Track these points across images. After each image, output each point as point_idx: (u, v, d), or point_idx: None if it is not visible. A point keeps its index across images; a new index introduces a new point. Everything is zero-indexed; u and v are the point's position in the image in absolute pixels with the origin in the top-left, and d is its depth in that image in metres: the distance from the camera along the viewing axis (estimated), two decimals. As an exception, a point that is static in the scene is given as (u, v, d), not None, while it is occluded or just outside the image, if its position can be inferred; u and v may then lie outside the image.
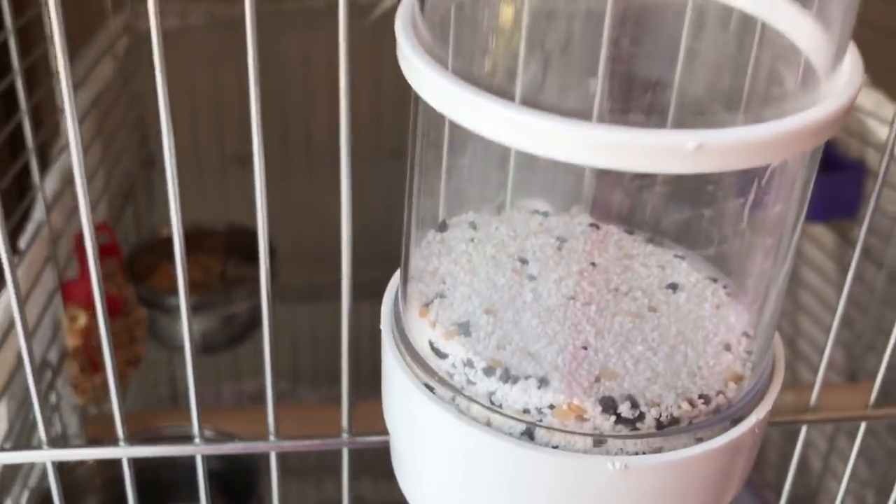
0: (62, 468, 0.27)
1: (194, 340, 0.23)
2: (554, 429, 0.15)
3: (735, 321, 0.18)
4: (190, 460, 0.27)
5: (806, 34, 0.15)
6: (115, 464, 0.26)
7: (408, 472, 0.18)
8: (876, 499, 0.60)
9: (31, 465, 0.40)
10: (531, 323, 0.17)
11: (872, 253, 0.67)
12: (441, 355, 0.16)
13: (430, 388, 0.17)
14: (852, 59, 0.15)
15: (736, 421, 0.16)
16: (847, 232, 0.67)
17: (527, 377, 0.16)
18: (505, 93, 0.14)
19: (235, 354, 0.65)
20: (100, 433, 0.48)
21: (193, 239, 0.41)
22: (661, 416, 0.16)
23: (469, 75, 0.15)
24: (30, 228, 0.44)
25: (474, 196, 0.19)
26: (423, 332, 0.17)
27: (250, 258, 0.65)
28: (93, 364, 0.47)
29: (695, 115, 0.17)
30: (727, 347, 0.17)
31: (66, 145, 0.41)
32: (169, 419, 0.49)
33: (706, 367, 0.16)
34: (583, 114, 0.15)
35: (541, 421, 0.16)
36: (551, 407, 0.15)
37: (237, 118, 0.23)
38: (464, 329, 0.16)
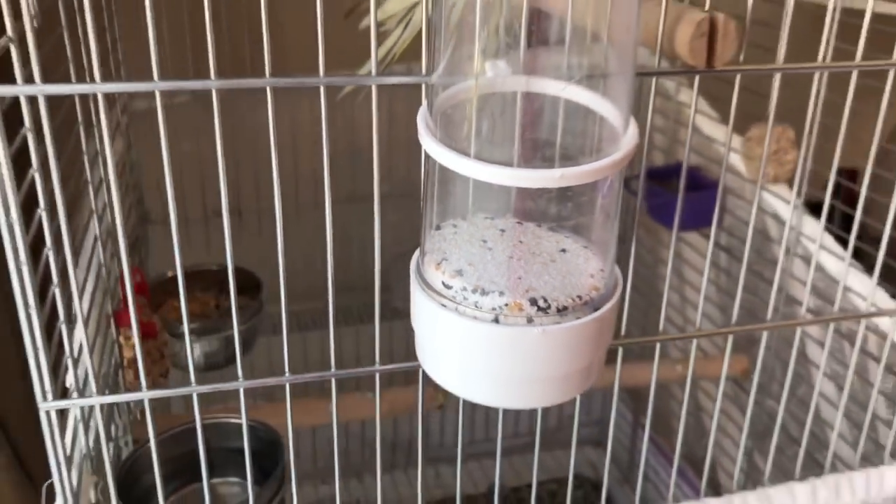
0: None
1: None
2: (507, 316, 0.31)
3: (594, 264, 0.34)
4: (222, 442, 0.41)
5: (612, 114, 0.32)
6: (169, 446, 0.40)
7: (429, 355, 0.34)
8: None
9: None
10: (492, 269, 0.33)
11: (734, 252, 0.86)
12: (448, 287, 0.32)
13: (443, 305, 0.32)
14: (634, 125, 0.32)
15: (597, 308, 0.33)
16: (710, 236, 0.85)
17: (492, 292, 0.31)
18: (467, 151, 0.30)
19: (234, 370, 0.78)
20: (141, 432, 0.62)
21: (191, 278, 0.56)
22: (559, 306, 0.32)
23: (452, 143, 0.31)
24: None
25: (454, 209, 0.35)
26: (436, 278, 0.33)
27: (240, 292, 0.79)
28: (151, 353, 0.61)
29: (566, 159, 0.33)
30: (591, 276, 0.33)
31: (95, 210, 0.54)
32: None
33: (581, 284, 0.33)
34: (509, 161, 0.31)
35: (500, 313, 0.31)
36: (506, 305, 0.31)
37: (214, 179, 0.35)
38: (459, 273, 0.32)
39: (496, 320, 0.32)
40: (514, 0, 0.31)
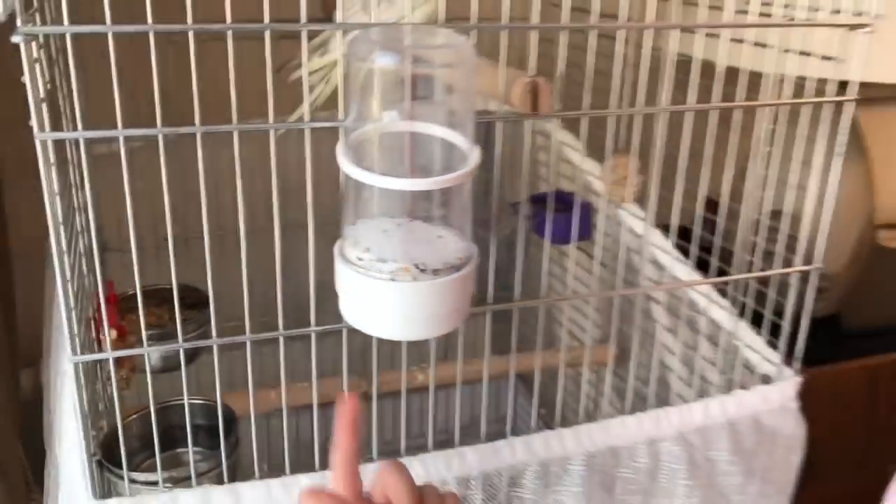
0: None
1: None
2: (399, 276, 0.48)
3: (458, 243, 0.51)
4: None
5: (462, 143, 0.49)
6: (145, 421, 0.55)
7: (349, 309, 0.50)
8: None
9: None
10: (389, 247, 0.49)
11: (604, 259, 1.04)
12: (360, 259, 0.49)
13: (357, 272, 0.49)
14: (476, 150, 0.50)
15: (458, 270, 0.50)
16: (586, 248, 1.03)
17: (390, 260, 0.48)
18: (373, 170, 0.47)
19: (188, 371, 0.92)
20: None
21: (147, 295, 0.70)
22: (433, 269, 0.48)
23: (362, 165, 0.48)
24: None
25: (364, 211, 0.52)
26: (352, 254, 0.49)
27: (191, 306, 0.94)
28: (119, 363, 0.75)
29: (435, 173, 0.50)
30: (455, 250, 0.50)
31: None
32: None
33: (448, 255, 0.50)
34: (401, 175, 0.48)
35: (395, 275, 0.48)
36: (398, 269, 0.48)
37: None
38: (367, 250, 0.49)
39: (392, 279, 0.48)
40: (401, 70, 0.48)
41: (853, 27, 0.64)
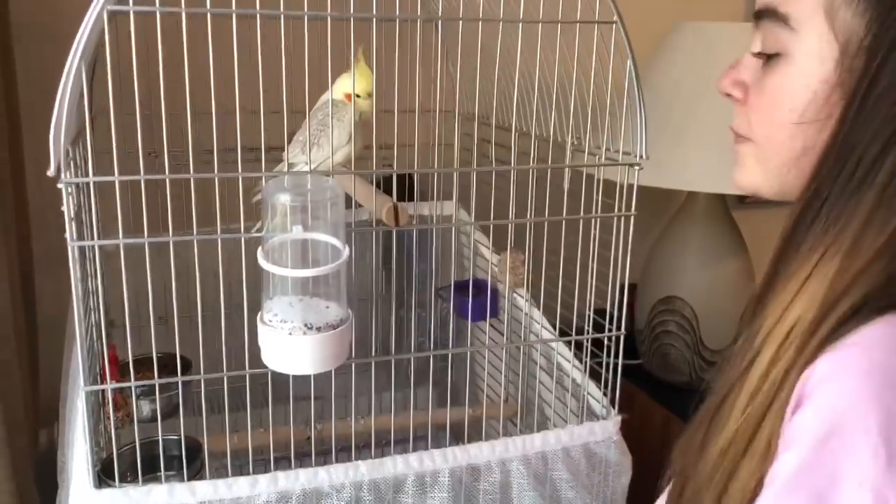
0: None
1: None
2: (295, 332, 0.75)
3: (340, 311, 0.78)
4: (166, 452, 0.83)
5: (337, 243, 0.77)
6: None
7: (267, 356, 0.77)
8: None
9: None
10: (292, 313, 0.76)
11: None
12: (271, 321, 0.76)
13: (270, 329, 0.75)
14: (347, 247, 0.77)
15: (336, 328, 0.76)
16: (496, 325, 1.29)
17: (289, 321, 0.75)
18: (284, 265, 0.74)
19: (173, 422, 1.18)
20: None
21: (146, 361, 0.98)
22: (318, 327, 0.75)
23: (275, 262, 0.75)
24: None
25: (276, 291, 0.79)
26: (267, 318, 0.76)
27: (174, 371, 1.21)
28: (116, 404, 1.01)
29: (322, 264, 0.78)
30: (335, 315, 0.77)
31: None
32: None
33: (331, 320, 0.77)
34: (302, 267, 0.76)
35: (293, 330, 0.75)
36: (295, 328, 0.75)
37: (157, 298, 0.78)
38: (277, 315, 0.76)
39: (290, 334, 0.75)
40: (300, 202, 0.77)
41: (631, 165, 0.92)
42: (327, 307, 0.79)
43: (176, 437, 1.02)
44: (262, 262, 0.76)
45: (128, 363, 0.96)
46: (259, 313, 0.79)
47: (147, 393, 1.16)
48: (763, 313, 0.57)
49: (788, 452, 0.51)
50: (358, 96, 0.96)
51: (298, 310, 0.77)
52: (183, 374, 1.21)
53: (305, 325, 0.76)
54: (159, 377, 1.18)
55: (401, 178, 1.20)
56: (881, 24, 0.54)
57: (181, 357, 1.20)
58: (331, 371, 0.89)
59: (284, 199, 0.74)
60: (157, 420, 1.17)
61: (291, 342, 0.76)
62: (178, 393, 1.19)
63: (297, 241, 0.77)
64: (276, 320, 0.76)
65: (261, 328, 0.77)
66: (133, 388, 0.89)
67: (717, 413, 0.58)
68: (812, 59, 0.57)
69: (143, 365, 0.99)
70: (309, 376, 0.84)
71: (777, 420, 0.52)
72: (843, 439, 0.48)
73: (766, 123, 0.61)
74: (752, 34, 0.61)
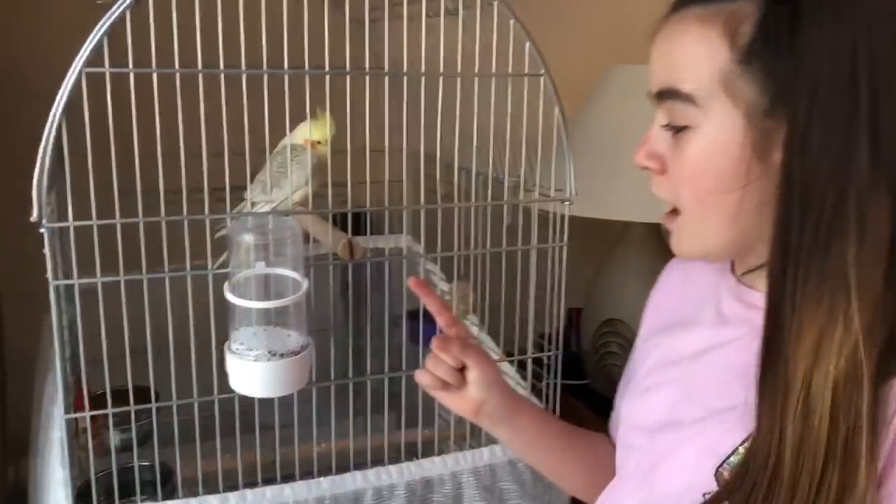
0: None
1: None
2: (260, 358, 0.82)
3: (301, 339, 0.86)
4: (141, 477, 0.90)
5: (297, 277, 0.85)
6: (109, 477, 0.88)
7: (234, 381, 0.84)
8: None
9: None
10: (257, 341, 0.84)
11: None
12: (238, 349, 0.83)
13: (237, 357, 0.83)
14: (307, 280, 0.85)
15: (297, 353, 0.84)
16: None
17: (255, 349, 0.83)
18: (249, 298, 0.82)
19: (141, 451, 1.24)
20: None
21: (120, 392, 1.04)
22: (281, 353, 0.83)
23: (241, 295, 0.83)
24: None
25: (241, 322, 0.86)
26: (233, 346, 0.84)
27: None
28: (93, 435, 1.07)
29: (282, 297, 0.86)
30: (297, 342, 0.85)
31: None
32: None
33: (293, 347, 0.84)
34: (264, 300, 0.83)
35: (258, 357, 0.82)
36: (260, 354, 0.82)
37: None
38: (243, 343, 0.83)
39: (256, 360, 0.83)
40: (262, 241, 0.85)
41: (562, 201, 1.02)
42: (289, 335, 0.87)
43: (149, 464, 1.08)
44: (229, 296, 0.84)
45: (99, 394, 1.02)
46: (226, 343, 0.86)
47: (118, 423, 1.21)
48: (778, 373, 0.59)
49: None
50: (319, 142, 1.04)
51: (262, 338, 0.85)
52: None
53: (270, 352, 0.83)
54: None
55: (355, 214, 1.28)
56: (776, 88, 0.60)
57: (141, 389, 1.27)
58: (293, 400, 0.97)
59: (248, 238, 0.82)
60: (127, 450, 1.23)
61: (257, 368, 0.83)
62: (150, 421, 1.25)
63: (261, 275, 0.85)
64: (243, 348, 0.84)
65: (228, 356, 0.85)
66: (110, 416, 0.95)
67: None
68: (721, 128, 0.62)
69: (114, 397, 1.05)
70: (272, 405, 0.91)
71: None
72: None
73: (695, 191, 0.65)
74: (656, 109, 0.67)
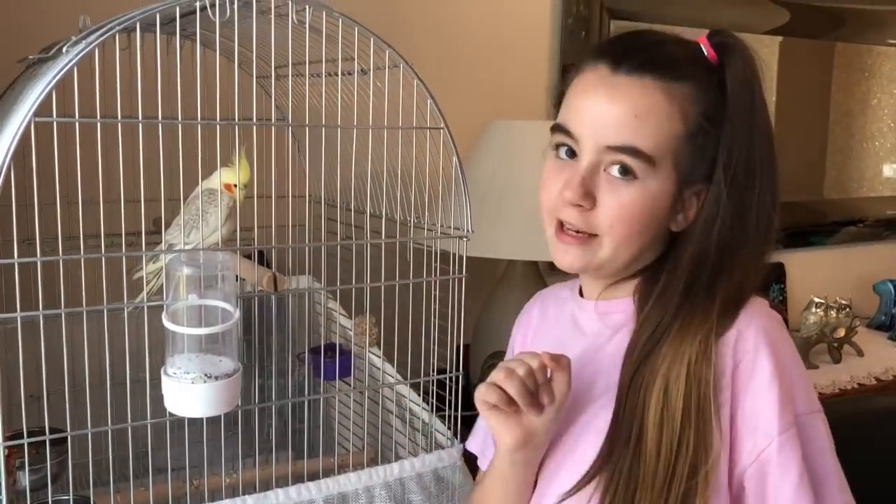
0: None
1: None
2: (196, 381, 0.90)
3: (231, 364, 0.95)
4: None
5: (230, 307, 0.94)
6: None
7: (170, 403, 0.92)
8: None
9: None
10: (192, 366, 0.92)
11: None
12: (175, 373, 0.91)
13: (174, 380, 0.91)
14: (238, 309, 0.94)
15: (230, 376, 0.93)
16: (350, 383, 1.46)
17: (191, 373, 0.91)
18: (182, 324, 0.90)
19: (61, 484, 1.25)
20: None
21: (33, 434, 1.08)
22: (215, 376, 0.91)
23: (176, 323, 0.91)
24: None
25: (176, 348, 0.94)
26: (170, 370, 0.91)
27: (53, 443, 1.29)
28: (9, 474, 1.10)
29: (217, 323, 0.94)
30: (228, 366, 0.94)
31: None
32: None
33: (226, 371, 0.93)
34: (197, 326, 0.92)
35: (194, 380, 0.90)
36: (196, 377, 0.90)
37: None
38: (180, 367, 0.91)
39: (192, 382, 0.91)
40: (196, 274, 0.93)
41: (461, 238, 1.16)
42: (220, 360, 0.95)
43: (66, 497, 1.12)
44: (167, 323, 0.91)
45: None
46: (162, 368, 0.93)
47: (30, 462, 1.23)
48: (654, 359, 0.77)
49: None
50: (245, 186, 1.13)
51: (197, 363, 0.93)
52: (60, 446, 1.30)
53: (205, 375, 0.92)
54: (37, 450, 1.26)
55: (259, 254, 1.37)
56: (701, 166, 0.79)
57: (56, 430, 1.29)
58: (203, 437, 1.05)
59: (188, 270, 0.91)
60: (36, 490, 1.25)
61: (194, 389, 0.91)
62: (59, 462, 1.27)
63: (194, 306, 0.93)
64: (180, 372, 0.92)
65: (165, 380, 0.92)
66: (26, 450, 0.99)
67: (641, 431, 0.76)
68: (662, 184, 0.78)
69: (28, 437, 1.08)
70: (182, 441, 0.99)
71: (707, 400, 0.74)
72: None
73: (623, 227, 0.79)
74: (601, 155, 0.79)
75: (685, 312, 0.78)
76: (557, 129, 0.83)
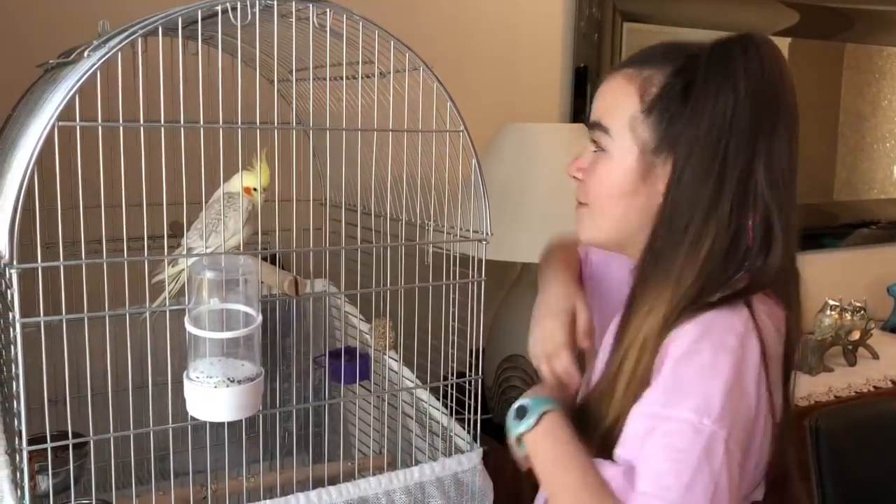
0: None
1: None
2: (218, 385, 0.90)
3: (253, 368, 0.94)
4: None
5: (252, 312, 0.94)
6: None
7: (192, 407, 0.92)
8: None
9: None
10: (215, 370, 0.92)
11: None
12: (197, 377, 0.91)
13: (197, 384, 0.90)
14: (260, 315, 0.94)
15: (252, 380, 0.92)
16: (368, 386, 1.46)
17: (213, 377, 0.90)
18: (203, 328, 0.90)
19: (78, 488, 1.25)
20: None
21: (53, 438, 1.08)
22: (238, 380, 0.91)
23: (199, 327, 0.91)
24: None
25: (199, 353, 0.94)
26: (193, 374, 0.91)
27: (77, 447, 1.29)
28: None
29: (240, 328, 0.94)
30: (251, 370, 0.93)
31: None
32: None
33: (248, 375, 0.93)
34: (219, 331, 0.91)
35: (217, 384, 0.90)
36: (219, 381, 0.90)
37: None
38: (203, 372, 0.91)
39: (216, 387, 0.90)
40: (218, 278, 0.93)
41: (480, 241, 1.16)
42: (242, 364, 0.95)
43: (87, 501, 1.12)
44: (189, 327, 0.91)
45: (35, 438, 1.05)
46: (185, 372, 0.93)
47: (46, 468, 1.23)
48: (626, 331, 0.87)
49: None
50: (255, 189, 1.13)
51: (219, 367, 0.93)
52: (80, 450, 1.30)
53: (228, 379, 0.91)
54: (58, 455, 1.26)
55: (273, 257, 1.37)
56: (664, 136, 0.87)
57: (76, 434, 1.29)
58: (224, 440, 1.04)
59: (211, 274, 0.91)
60: (57, 493, 1.25)
61: (217, 394, 0.91)
62: (80, 465, 1.27)
63: (216, 310, 0.93)
64: (203, 376, 0.91)
65: (188, 384, 0.92)
66: (49, 454, 0.99)
67: (610, 387, 0.88)
68: (622, 155, 0.89)
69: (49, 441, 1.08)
70: (204, 444, 0.98)
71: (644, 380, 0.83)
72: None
73: (597, 195, 0.92)
74: (588, 135, 0.94)
75: (650, 290, 0.87)
76: None
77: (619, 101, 0.89)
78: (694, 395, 0.78)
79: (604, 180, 0.91)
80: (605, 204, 0.92)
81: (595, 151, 0.93)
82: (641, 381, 0.84)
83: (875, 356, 2.35)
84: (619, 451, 0.82)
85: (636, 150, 0.88)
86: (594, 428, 0.88)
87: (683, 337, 0.81)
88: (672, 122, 0.85)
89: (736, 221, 0.84)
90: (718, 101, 0.82)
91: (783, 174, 0.85)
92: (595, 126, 0.92)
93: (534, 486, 1.70)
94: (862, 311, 2.30)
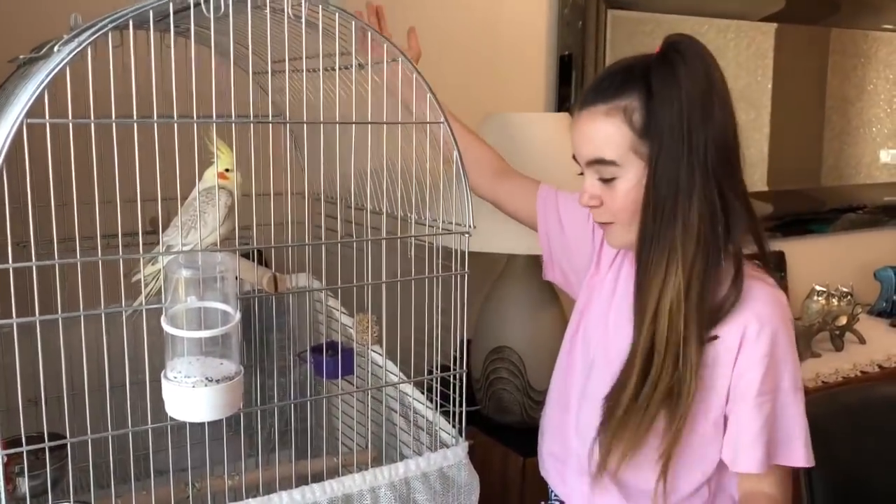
0: None
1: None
2: (196, 384, 0.89)
3: (232, 366, 0.93)
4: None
5: (231, 309, 0.92)
6: None
7: (171, 407, 0.90)
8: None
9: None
10: (193, 369, 0.90)
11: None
12: (176, 377, 0.89)
13: (175, 384, 0.89)
14: (238, 312, 0.93)
15: (231, 379, 0.91)
16: (352, 381, 1.45)
17: (191, 376, 0.89)
18: (181, 327, 0.88)
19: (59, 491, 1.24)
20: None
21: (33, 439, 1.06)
22: (216, 379, 0.90)
23: (175, 325, 0.89)
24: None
25: (176, 352, 0.92)
26: (171, 374, 0.90)
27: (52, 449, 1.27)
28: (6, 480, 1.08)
29: (216, 327, 0.93)
30: (230, 369, 0.92)
31: None
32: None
33: (227, 374, 0.91)
34: (196, 330, 0.90)
35: (193, 383, 0.89)
36: (197, 381, 0.89)
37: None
38: (181, 371, 0.89)
39: (194, 386, 0.89)
40: (196, 276, 0.92)
41: (462, 234, 1.14)
42: (221, 363, 0.93)
43: (66, 503, 1.10)
44: (166, 327, 0.90)
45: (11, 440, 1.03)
46: (162, 372, 0.92)
47: (29, 468, 1.22)
48: (642, 306, 1.02)
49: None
50: (228, 170, 1.10)
51: (197, 367, 0.91)
52: (59, 451, 1.29)
53: (206, 378, 0.90)
54: (37, 456, 1.24)
55: (258, 253, 1.35)
56: (657, 144, 0.99)
57: (55, 435, 1.27)
58: (205, 438, 1.03)
59: (187, 273, 0.89)
60: (36, 496, 1.23)
61: (195, 394, 0.89)
62: (59, 467, 1.25)
63: (194, 308, 0.91)
64: (181, 376, 0.90)
65: (165, 384, 0.91)
66: (25, 457, 0.97)
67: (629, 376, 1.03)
68: (635, 175, 1.02)
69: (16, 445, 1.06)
70: (183, 442, 0.97)
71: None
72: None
73: (625, 211, 1.04)
74: (590, 167, 1.05)
75: (652, 260, 1.02)
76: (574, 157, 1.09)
77: (611, 134, 1.01)
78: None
79: (627, 198, 1.03)
80: (636, 213, 1.04)
81: (599, 179, 1.05)
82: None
83: (862, 341, 2.35)
84: None
85: (642, 164, 1.02)
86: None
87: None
88: (659, 130, 0.99)
89: (710, 194, 0.99)
90: (674, 105, 0.97)
91: (728, 150, 1.00)
92: (597, 163, 1.04)
93: (521, 481, 1.70)
94: (849, 297, 2.30)
